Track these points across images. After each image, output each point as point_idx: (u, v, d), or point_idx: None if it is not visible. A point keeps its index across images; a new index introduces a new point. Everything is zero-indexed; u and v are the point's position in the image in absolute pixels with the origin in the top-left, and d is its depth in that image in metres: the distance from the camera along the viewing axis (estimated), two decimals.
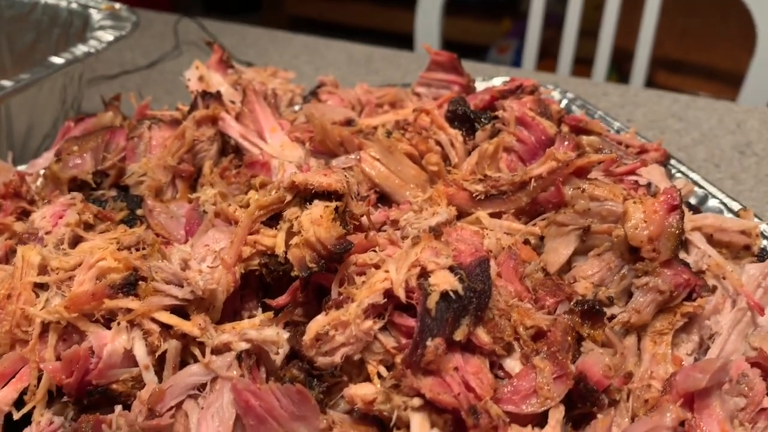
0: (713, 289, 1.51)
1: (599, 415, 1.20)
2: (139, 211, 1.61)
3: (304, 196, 1.31)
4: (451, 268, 1.15)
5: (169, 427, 1.10)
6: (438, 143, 1.77)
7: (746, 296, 1.51)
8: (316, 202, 1.27)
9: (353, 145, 1.71)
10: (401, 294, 1.12)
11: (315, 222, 1.21)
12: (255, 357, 1.15)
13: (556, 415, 1.16)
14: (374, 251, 1.22)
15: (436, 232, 1.19)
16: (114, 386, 1.26)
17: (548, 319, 1.25)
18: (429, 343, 1.08)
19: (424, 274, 1.14)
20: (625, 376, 1.32)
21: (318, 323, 1.13)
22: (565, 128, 1.81)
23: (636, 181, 1.58)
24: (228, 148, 1.82)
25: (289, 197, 1.35)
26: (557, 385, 1.17)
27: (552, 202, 1.52)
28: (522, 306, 1.25)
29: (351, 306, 1.13)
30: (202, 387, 1.13)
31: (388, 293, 1.14)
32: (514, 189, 1.55)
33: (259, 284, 1.43)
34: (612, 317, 1.39)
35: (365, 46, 3.59)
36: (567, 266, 1.50)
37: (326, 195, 1.29)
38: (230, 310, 1.38)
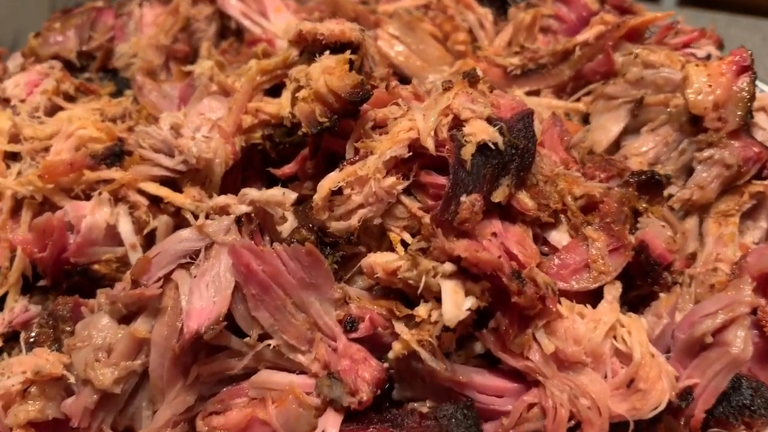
0: None
1: (661, 295, 1.03)
2: (128, 92, 1.43)
3: (313, 50, 1.12)
4: (489, 120, 0.96)
5: (156, 299, 0.94)
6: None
7: None
8: (326, 54, 1.08)
9: (369, 22, 1.50)
10: (430, 144, 0.94)
11: (326, 71, 1.02)
12: (257, 223, 0.97)
13: (613, 292, 0.99)
14: (397, 105, 1.03)
15: (471, 77, 1.00)
16: (96, 267, 1.11)
17: (601, 187, 1.06)
18: (464, 198, 0.90)
19: (458, 123, 0.96)
20: (688, 258, 1.14)
21: (331, 180, 0.96)
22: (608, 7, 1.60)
23: (693, 54, 1.38)
24: (227, 32, 1.63)
25: (295, 54, 1.17)
26: (613, 257, 1.00)
27: (600, 73, 1.33)
28: (570, 173, 1.07)
29: (370, 159, 0.95)
30: (195, 255, 0.95)
31: (414, 145, 0.96)
32: (556, 60, 1.37)
33: (264, 166, 1.25)
34: (670, 198, 1.21)
35: None
36: (615, 147, 1.31)
37: (339, 49, 1.10)
38: (231, 192, 1.20)
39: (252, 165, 1.27)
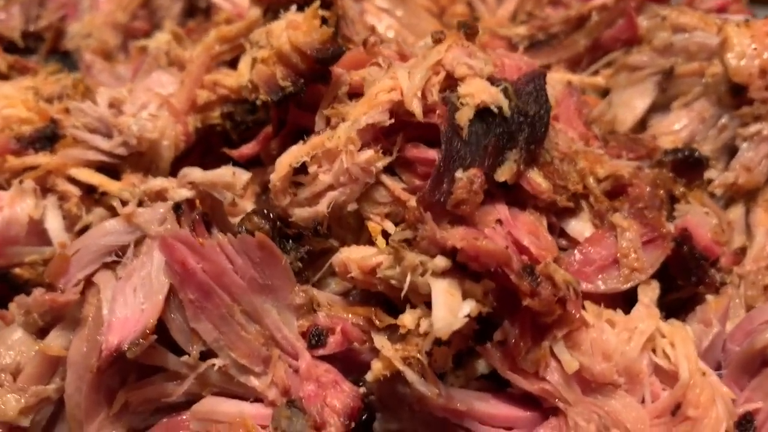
0: None
1: (708, 297, 0.84)
2: (76, 75, 1.26)
3: (278, 7, 0.94)
4: (491, 79, 0.78)
5: (74, 306, 0.76)
6: None
7: None
8: (293, 9, 0.90)
9: None
10: (416, 108, 0.76)
11: (291, 26, 0.84)
12: (201, 212, 0.79)
13: (649, 294, 0.82)
14: (377, 65, 0.84)
15: (468, 29, 0.82)
16: (17, 270, 0.93)
17: (630, 166, 0.88)
18: (459, 174, 0.72)
19: (452, 83, 0.78)
20: (736, 254, 0.96)
21: (292, 154, 0.78)
22: None
23: (727, 19, 1.20)
24: (195, 11, 1.47)
25: (258, 14, 0.99)
26: (649, 251, 0.84)
27: (621, 40, 1.17)
28: (592, 151, 0.89)
29: (341, 126, 0.76)
30: (122, 252, 0.77)
31: (397, 110, 0.77)
32: (569, 29, 1.21)
33: (224, 146, 1.07)
34: (709, 183, 1.02)
35: None
36: (641, 127, 1.14)
37: (308, 4, 0.92)
38: None
39: (211, 150, 1.09)
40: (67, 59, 1.37)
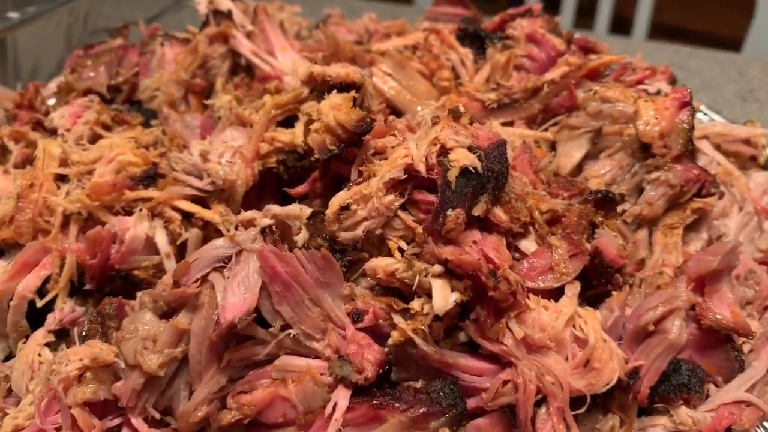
0: (721, 195, 1.54)
1: (614, 293, 1.23)
2: (153, 122, 1.62)
3: (322, 89, 1.32)
4: (470, 148, 1.17)
5: (194, 296, 1.12)
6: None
7: (753, 201, 1.54)
8: (333, 92, 1.28)
9: (365, 61, 1.72)
10: (422, 168, 1.14)
11: (334, 107, 1.22)
12: (278, 234, 1.17)
13: (573, 290, 1.18)
14: (393, 135, 1.23)
15: (455, 113, 1.21)
16: (136, 272, 1.29)
17: (563, 203, 1.27)
18: (450, 212, 1.09)
19: (444, 151, 1.16)
20: (638, 263, 1.35)
21: (340, 198, 1.15)
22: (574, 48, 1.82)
23: (645, 90, 1.60)
24: (239, 68, 1.82)
25: (306, 92, 1.37)
26: (573, 261, 1.19)
27: (564, 106, 1.54)
28: (537, 192, 1.27)
29: (373, 180, 1.15)
30: (227, 260, 1.14)
31: (409, 168, 1.15)
32: (527, 96, 1.57)
33: (276, 186, 1.45)
34: (623, 213, 1.42)
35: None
36: (578, 171, 1.52)
37: (344, 88, 1.31)
38: (249, 208, 1.39)
39: (266, 186, 1.46)
40: (140, 107, 1.72)
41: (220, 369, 1.12)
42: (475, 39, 1.78)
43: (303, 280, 1.09)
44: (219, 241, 1.15)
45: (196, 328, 1.11)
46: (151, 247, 1.30)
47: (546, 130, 1.56)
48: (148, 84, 1.70)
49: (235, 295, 1.09)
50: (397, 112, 1.68)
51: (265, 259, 1.08)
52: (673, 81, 1.92)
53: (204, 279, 1.14)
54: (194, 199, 1.33)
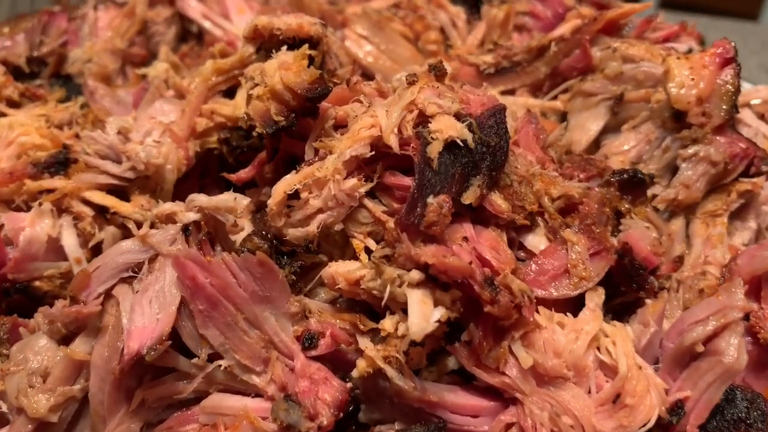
0: None
1: (647, 301, 0.96)
2: (80, 99, 1.35)
3: (270, 47, 1.04)
4: (457, 115, 0.89)
5: (96, 317, 0.86)
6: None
7: None
8: (284, 49, 1.00)
9: (336, 22, 1.44)
10: (393, 142, 0.87)
11: (283, 67, 0.94)
12: (206, 232, 0.89)
13: (595, 299, 0.92)
14: (359, 102, 0.95)
15: (438, 71, 0.93)
16: (37, 283, 1.03)
17: (580, 187, 1.00)
18: (430, 200, 0.83)
19: (424, 120, 0.89)
20: (674, 261, 1.08)
21: (286, 182, 0.88)
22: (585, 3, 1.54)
23: (674, 48, 1.32)
24: (188, 36, 1.55)
25: (251, 51, 1.09)
26: (595, 262, 0.93)
27: (577, 69, 1.28)
28: (546, 173, 1.00)
29: (328, 159, 0.87)
30: (138, 268, 0.87)
31: (377, 144, 0.88)
32: (531, 57, 1.31)
33: (222, 171, 1.17)
34: (653, 198, 1.14)
35: None
36: (595, 147, 1.26)
37: (297, 45, 1.03)
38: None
39: (209, 172, 1.20)
40: (69, 82, 1.45)
41: (131, 412, 0.88)
42: None
43: (234, 295, 0.83)
44: (127, 243, 0.89)
45: (98, 359, 0.86)
46: (57, 251, 1.04)
47: (555, 98, 1.29)
48: (77, 55, 1.45)
49: (145, 316, 0.83)
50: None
51: (182, 268, 0.81)
52: (702, 43, 1.63)
53: (108, 293, 0.88)
54: (111, 190, 1.06)
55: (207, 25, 1.48)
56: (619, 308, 0.99)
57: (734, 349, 0.89)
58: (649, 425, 0.85)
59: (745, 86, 1.50)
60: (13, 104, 1.24)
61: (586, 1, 1.55)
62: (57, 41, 1.47)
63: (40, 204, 1.03)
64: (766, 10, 3.52)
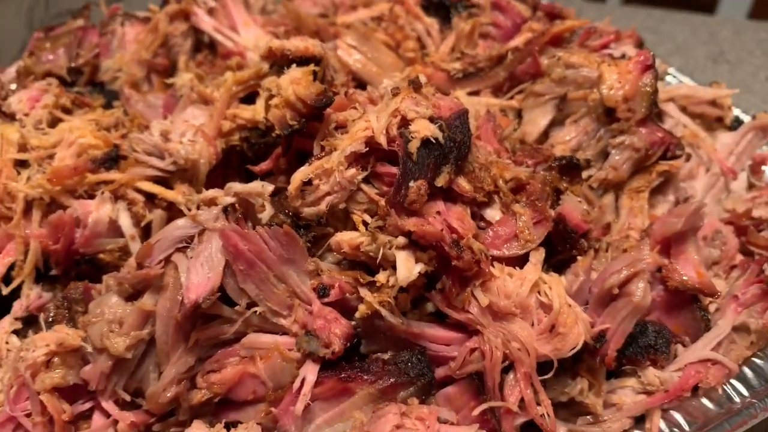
0: (687, 157, 1.55)
1: (579, 258, 1.23)
2: (116, 104, 1.60)
3: (282, 64, 1.30)
4: (431, 119, 1.16)
5: (158, 277, 1.11)
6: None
7: (719, 162, 1.55)
8: (293, 66, 1.27)
9: (329, 34, 1.70)
10: (383, 140, 1.13)
11: (294, 82, 1.21)
12: (240, 212, 1.16)
13: (537, 256, 1.18)
14: (355, 108, 1.22)
15: (415, 84, 1.20)
16: (101, 256, 1.28)
17: (527, 171, 1.27)
18: (412, 184, 1.09)
19: (405, 123, 1.15)
20: (604, 228, 1.36)
21: (302, 172, 1.15)
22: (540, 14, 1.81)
23: (610, 54, 1.60)
24: (202, 46, 1.79)
25: (266, 68, 1.35)
26: (537, 228, 1.20)
27: (529, 74, 1.53)
28: (501, 161, 1.27)
29: (334, 154, 1.14)
30: (189, 240, 1.13)
31: (370, 141, 1.14)
32: (492, 64, 1.56)
33: (241, 164, 1.44)
34: (589, 178, 1.42)
35: None
36: (544, 138, 1.52)
37: (304, 62, 1.29)
38: (213, 187, 1.38)
39: (231, 164, 1.45)
40: (103, 89, 1.68)
41: (188, 349, 1.12)
42: (440, 8, 1.77)
43: (267, 258, 1.09)
44: (181, 221, 1.14)
45: (162, 309, 1.11)
46: (115, 230, 1.29)
47: (512, 98, 1.55)
48: (109, 65, 1.68)
49: (199, 275, 1.09)
50: (363, 86, 1.66)
51: (227, 238, 1.08)
52: (640, 44, 1.91)
53: (167, 260, 1.13)
54: (157, 180, 1.32)
55: (219, 37, 1.71)
56: (558, 265, 1.24)
57: (641, 291, 1.15)
58: (577, 348, 1.09)
59: (683, 79, 1.78)
60: (66, 111, 1.47)
61: (541, 10, 1.83)
62: (91, 53, 1.71)
63: (102, 193, 1.28)
64: (723, 3, 3.78)
